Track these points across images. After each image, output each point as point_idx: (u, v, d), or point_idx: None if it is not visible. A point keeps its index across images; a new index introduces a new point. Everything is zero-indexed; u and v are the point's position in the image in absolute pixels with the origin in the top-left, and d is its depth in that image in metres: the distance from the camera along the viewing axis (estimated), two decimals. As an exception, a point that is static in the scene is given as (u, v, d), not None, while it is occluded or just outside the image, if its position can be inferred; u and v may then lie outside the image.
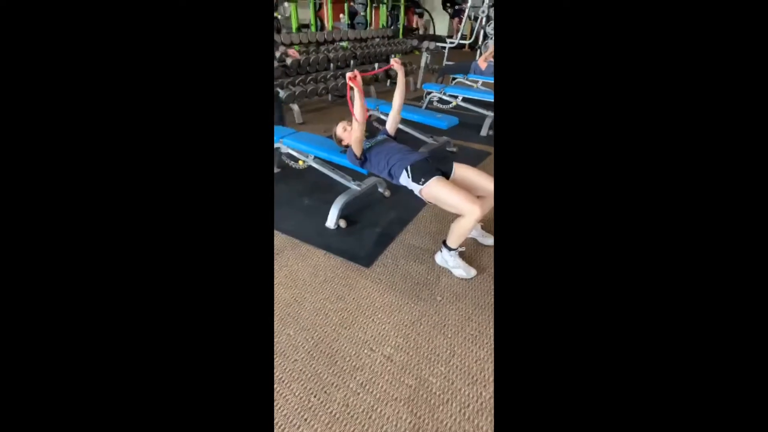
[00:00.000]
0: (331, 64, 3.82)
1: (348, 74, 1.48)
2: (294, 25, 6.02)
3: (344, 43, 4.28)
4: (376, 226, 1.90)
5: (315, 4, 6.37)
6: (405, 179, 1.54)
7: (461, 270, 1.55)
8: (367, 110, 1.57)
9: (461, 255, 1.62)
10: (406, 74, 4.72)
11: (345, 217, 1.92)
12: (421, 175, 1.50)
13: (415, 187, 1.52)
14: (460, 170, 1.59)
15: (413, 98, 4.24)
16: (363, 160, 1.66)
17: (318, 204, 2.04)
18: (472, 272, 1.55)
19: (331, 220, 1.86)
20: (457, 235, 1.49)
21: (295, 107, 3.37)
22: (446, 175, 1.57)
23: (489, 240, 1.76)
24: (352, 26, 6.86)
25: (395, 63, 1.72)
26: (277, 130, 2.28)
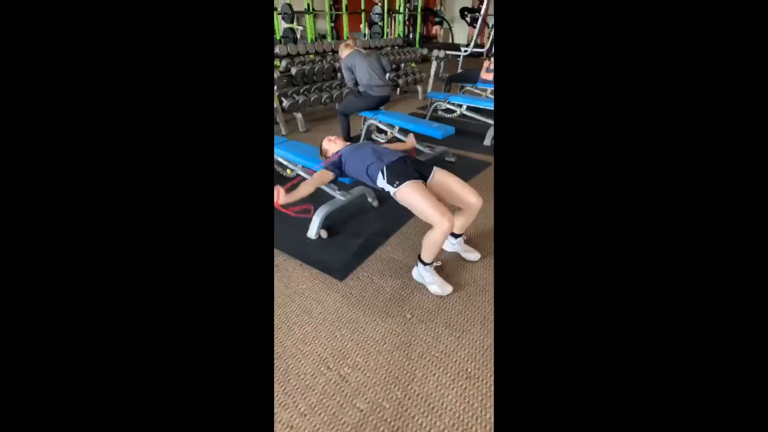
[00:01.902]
0: (338, 74, 3.85)
1: (275, 202, 1.47)
2: (309, 36, 6.16)
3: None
4: (359, 237, 1.85)
5: (331, 15, 6.51)
6: (381, 181, 1.49)
7: (436, 286, 1.47)
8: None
9: (438, 270, 1.55)
10: (415, 83, 4.70)
11: (329, 227, 1.89)
12: (396, 177, 1.44)
13: (390, 190, 1.46)
14: (439, 176, 1.52)
15: (420, 107, 4.19)
16: (340, 171, 1.63)
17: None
18: (448, 289, 1.47)
19: (312, 230, 1.83)
20: (428, 248, 1.42)
21: (299, 116, 3.40)
22: (425, 178, 1.51)
23: (472, 255, 1.67)
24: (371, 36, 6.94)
25: (410, 142, 1.94)
26: (269, 138, 2.29)
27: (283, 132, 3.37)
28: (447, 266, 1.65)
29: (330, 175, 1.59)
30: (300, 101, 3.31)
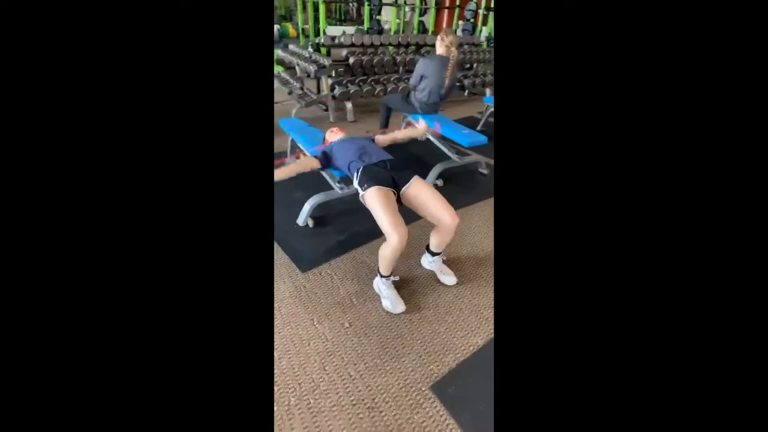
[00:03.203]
0: (400, 68, 3.78)
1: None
2: (393, 28, 6.17)
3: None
4: (343, 234, 1.81)
5: (420, 9, 6.42)
6: (355, 181, 1.44)
7: (388, 301, 1.37)
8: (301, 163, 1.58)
9: (402, 285, 1.44)
10: (483, 85, 4.40)
11: (321, 218, 1.89)
12: (366, 180, 1.37)
13: (360, 191, 1.40)
14: (414, 187, 1.39)
15: (480, 111, 3.91)
16: (325, 162, 1.59)
17: (306, 199, 2.04)
18: (399, 308, 1.35)
19: (302, 217, 1.84)
20: (382, 260, 1.32)
21: (349, 105, 3.44)
22: (399, 187, 1.40)
23: (447, 278, 1.51)
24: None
25: (419, 125, 1.87)
26: (293, 122, 2.36)
27: (331, 119, 3.46)
28: (416, 283, 1.52)
29: (315, 163, 1.57)
30: (351, 91, 3.34)
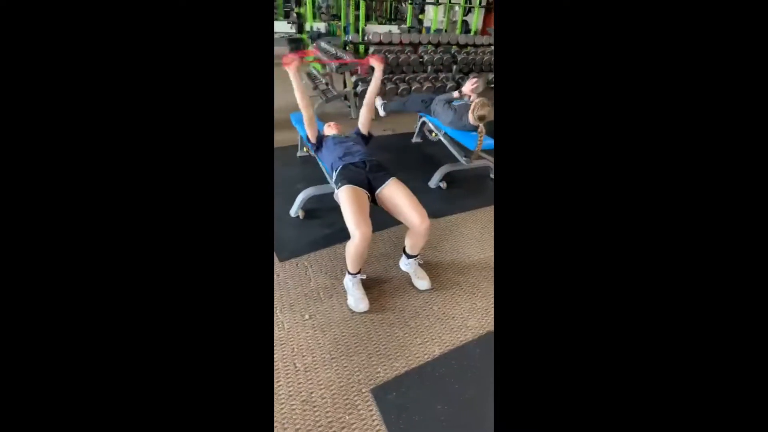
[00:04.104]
0: (428, 67, 3.72)
1: (285, 57, 1.48)
2: (433, 27, 6.08)
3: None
4: (330, 228, 1.82)
5: (464, 9, 6.26)
6: (334, 179, 1.47)
7: (353, 299, 1.36)
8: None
9: (372, 285, 1.42)
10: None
11: (312, 210, 1.92)
12: (341, 178, 1.40)
13: (335, 189, 1.42)
14: (388, 189, 1.38)
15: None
16: (317, 145, 1.64)
17: (305, 192, 2.08)
18: (361, 306, 1.34)
19: (294, 208, 1.88)
20: (348, 258, 1.32)
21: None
22: (374, 187, 1.39)
23: (420, 282, 1.47)
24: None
25: (374, 59, 1.69)
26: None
27: (353, 116, 3.49)
28: (389, 284, 1.49)
29: (312, 120, 1.62)
30: (374, 88, 3.35)
